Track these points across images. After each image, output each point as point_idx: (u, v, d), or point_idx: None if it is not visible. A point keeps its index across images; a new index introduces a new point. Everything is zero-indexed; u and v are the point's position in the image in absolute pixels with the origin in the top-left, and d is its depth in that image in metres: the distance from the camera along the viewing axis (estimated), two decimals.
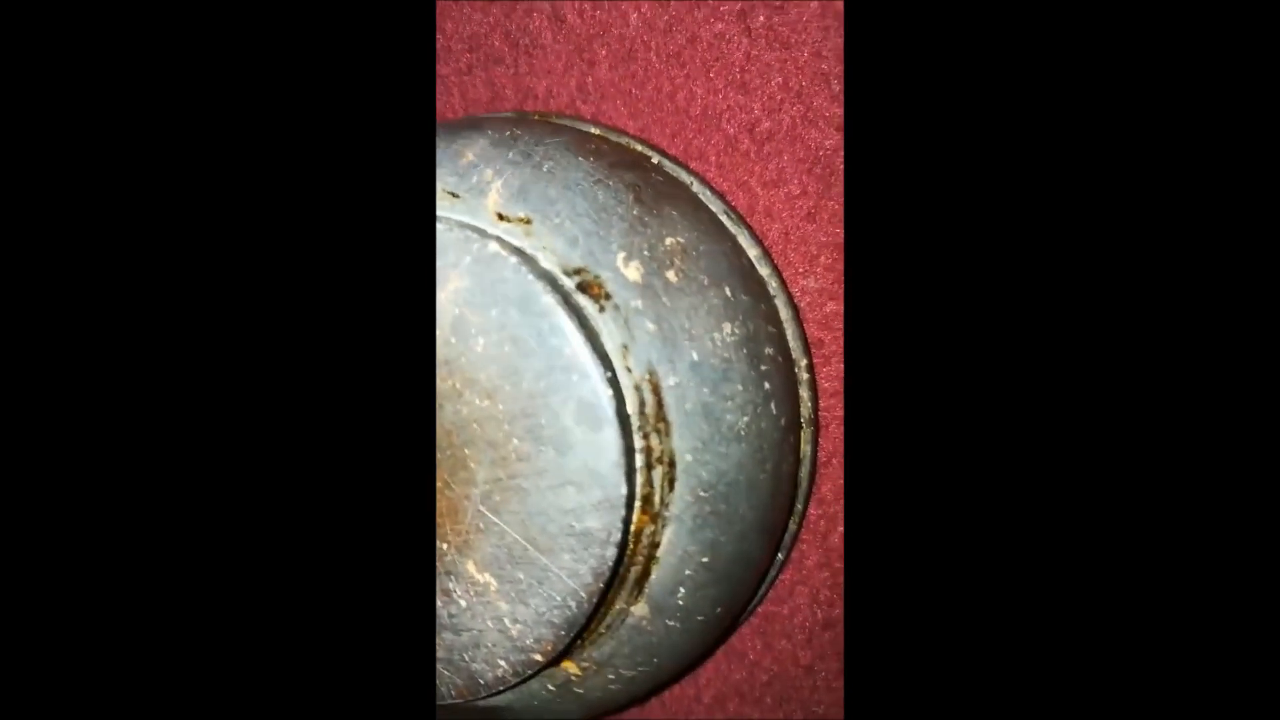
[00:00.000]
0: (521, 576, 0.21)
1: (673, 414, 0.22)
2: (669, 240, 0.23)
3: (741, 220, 0.28)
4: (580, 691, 0.24)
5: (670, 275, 0.23)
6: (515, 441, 0.21)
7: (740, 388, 0.23)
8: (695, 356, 0.22)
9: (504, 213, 0.22)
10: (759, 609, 0.30)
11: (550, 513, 0.21)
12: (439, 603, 0.22)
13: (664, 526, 0.22)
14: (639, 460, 0.21)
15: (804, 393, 0.28)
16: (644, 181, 0.25)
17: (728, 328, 0.23)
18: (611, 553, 0.20)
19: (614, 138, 0.29)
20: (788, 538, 0.28)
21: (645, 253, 0.23)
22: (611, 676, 0.24)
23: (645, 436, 0.21)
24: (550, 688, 0.24)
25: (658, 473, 0.22)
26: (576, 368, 0.20)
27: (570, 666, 0.23)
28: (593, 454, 0.20)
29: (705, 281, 0.24)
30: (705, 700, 0.32)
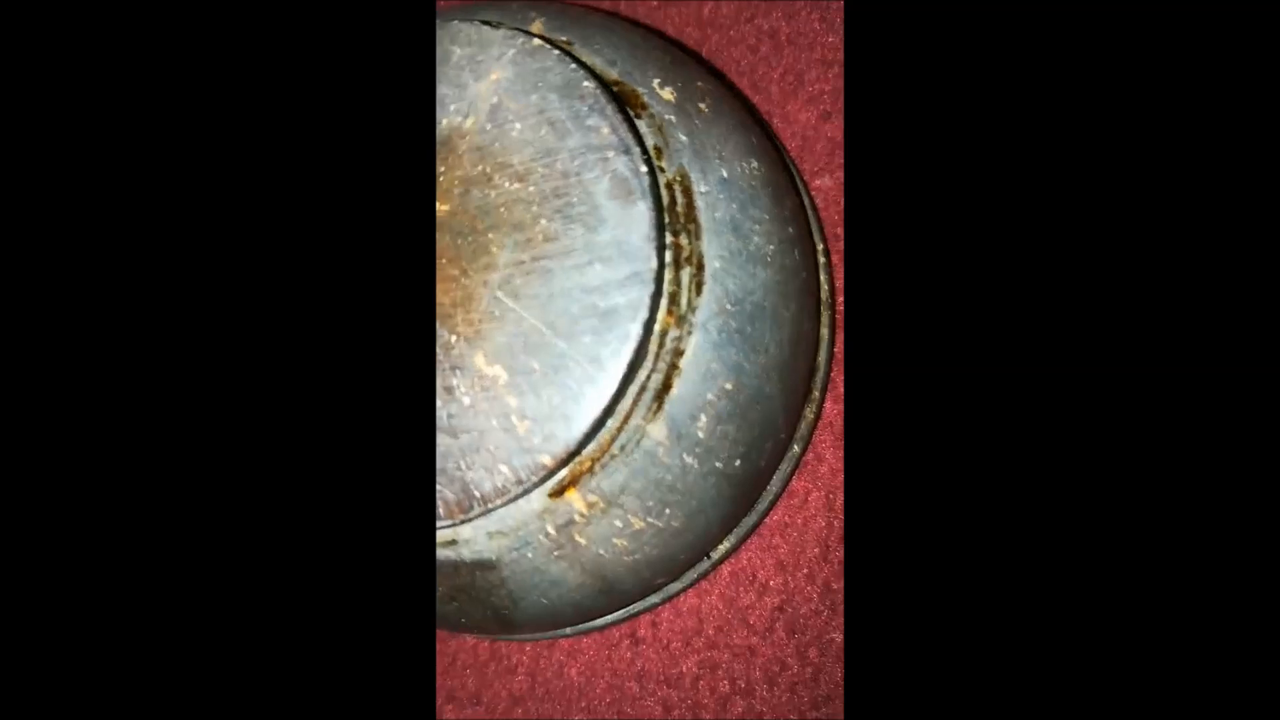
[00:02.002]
0: (536, 365, 0.20)
1: (703, 217, 0.21)
2: (699, 83, 0.24)
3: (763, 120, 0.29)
4: (582, 542, 0.21)
5: (702, 106, 0.23)
6: (543, 222, 0.20)
7: (767, 216, 0.23)
8: (725, 174, 0.22)
9: (546, 35, 0.23)
10: (768, 518, 0.28)
11: (574, 293, 0.20)
12: (439, 403, 0.20)
13: (689, 334, 0.21)
14: (667, 257, 0.20)
15: (822, 276, 0.27)
16: (673, 43, 0.26)
17: (754, 162, 0.23)
18: (637, 330, 0.19)
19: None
20: (804, 426, 0.27)
21: (679, 84, 0.23)
22: (619, 524, 0.21)
23: (675, 234, 0.21)
24: (550, 532, 0.21)
25: (685, 273, 0.21)
26: (614, 144, 0.20)
27: (576, 500, 0.21)
28: (624, 228, 0.20)
29: (733, 122, 0.24)
30: (708, 632, 0.28)
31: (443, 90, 0.22)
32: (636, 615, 0.27)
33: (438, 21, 0.22)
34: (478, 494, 0.20)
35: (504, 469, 0.20)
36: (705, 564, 0.27)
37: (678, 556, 0.24)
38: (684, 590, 0.28)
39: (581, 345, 0.19)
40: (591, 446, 0.20)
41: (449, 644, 0.30)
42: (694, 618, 0.28)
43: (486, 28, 0.22)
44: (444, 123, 0.21)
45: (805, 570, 0.28)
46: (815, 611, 0.27)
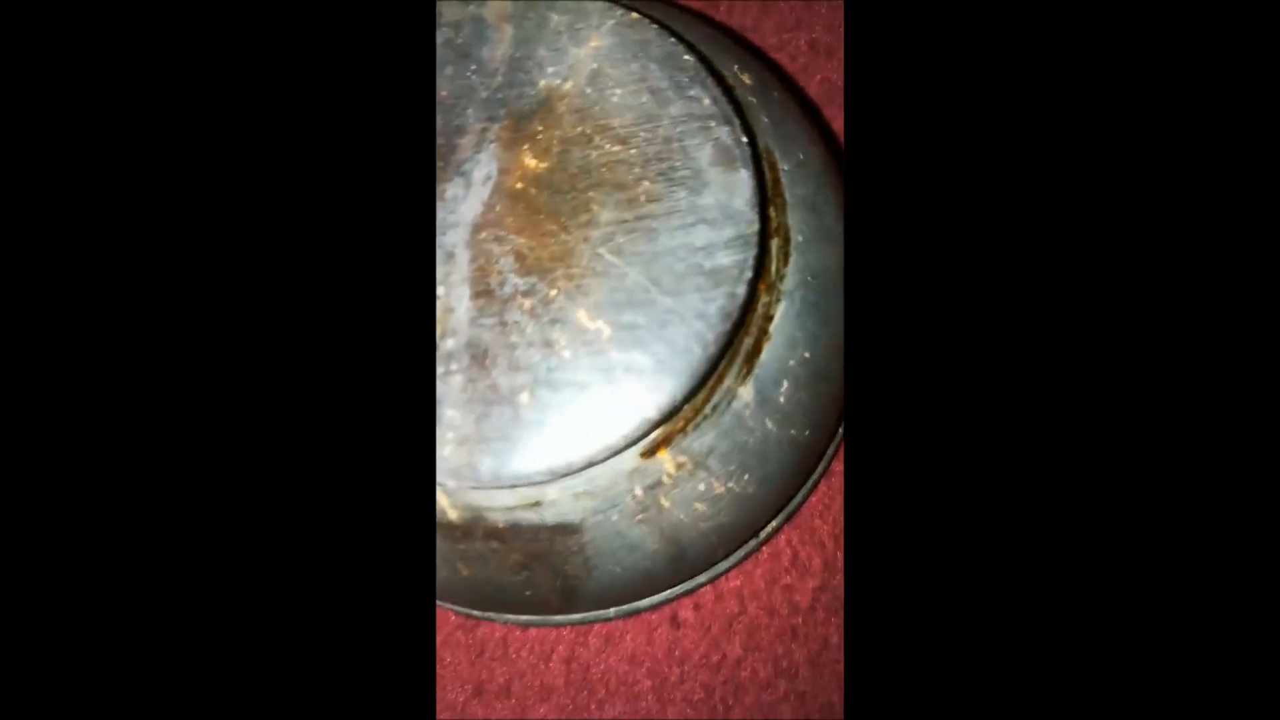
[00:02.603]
0: (640, 321, 0.20)
1: (787, 193, 0.22)
2: (768, 73, 0.25)
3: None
4: (665, 505, 0.21)
5: (774, 94, 0.25)
6: (646, 184, 0.20)
7: (834, 200, 0.24)
8: (800, 156, 0.23)
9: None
10: (809, 500, 0.28)
11: (679, 252, 0.20)
12: (535, 354, 0.20)
13: (777, 301, 0.21)
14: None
15: None
16: (737, 38, 0.27)
17: (819, 149, 0.25)
18: (743, 290, 0.20)
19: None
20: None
21: (754, 71, 0.25)
22: (702, 487, 0.21)
23: (766, 204, 0.21)
24: (637, 493, 0.21)
25: (774, 243, 0.22)
26: (715, 115, 0.21)
27: (666, 460, 0.21)
28: (727, 193, 0.20)
29: (799, 111, 0.25)
30: (751, 612, 0.28)
31: (540, 53, 0.22)
32: (680, 597, 0.27)
33: None
34: (580, 455, 0.19)
35: (612, 427, 0.19)
36: (753, 543, 0.27)
37: (741, 524, 0.24)
38: (728, 571, 0.28)
39: (688, 302, 0.20)
40: (687, 406, 0.20)
41: (475, 633, 0.29)
42: (736, 599, 0.29)
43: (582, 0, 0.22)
44: (541, 84, 0.22)
45: (843, 553, 0.29)
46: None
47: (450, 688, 0.29)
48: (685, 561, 0.24)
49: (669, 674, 0.28)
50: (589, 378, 0.20)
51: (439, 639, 0.29)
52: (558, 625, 0.29)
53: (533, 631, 0.29)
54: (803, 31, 0.33)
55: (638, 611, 0.27)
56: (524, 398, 0.20)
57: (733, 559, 0.26)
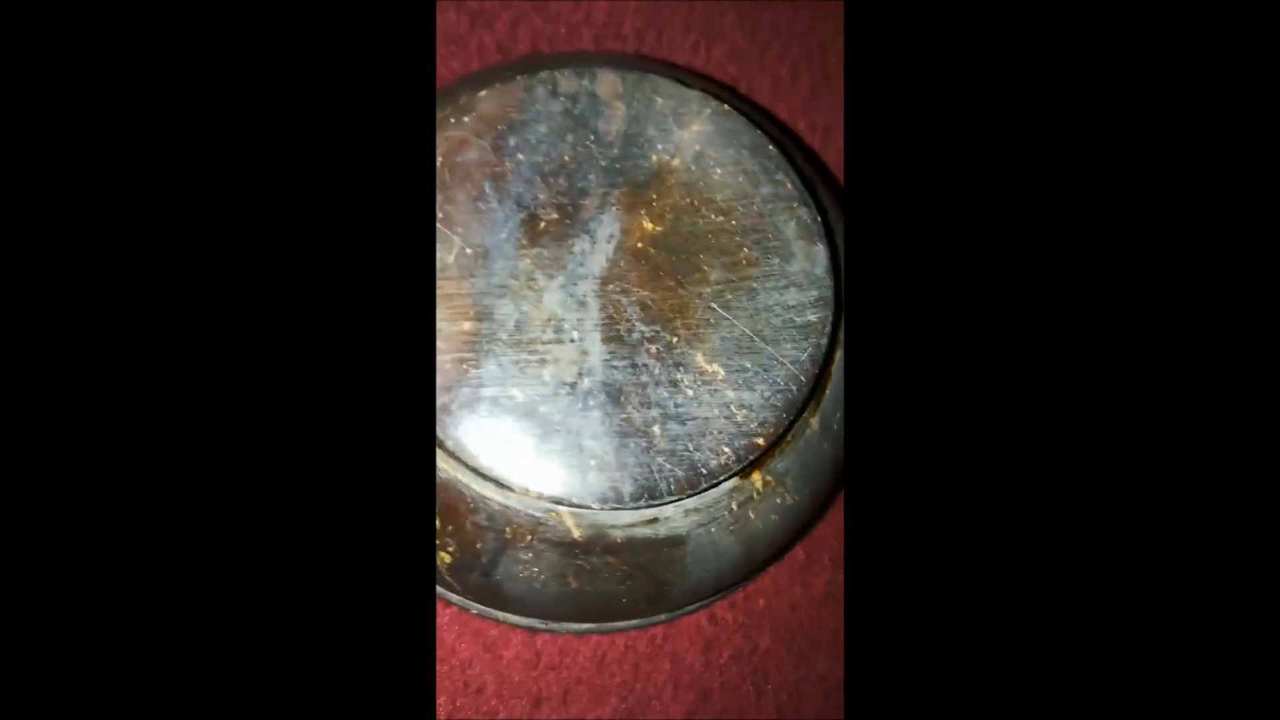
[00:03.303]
0: (748, 365, 0.23)
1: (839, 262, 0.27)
2: (802, 153, 0.30)
3: None
4: (750, 517, 0.25)
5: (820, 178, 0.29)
6: (746, 250, 0.24)
7: None
8: (839, 229, 0.28)
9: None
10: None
11: (775, 309, 0.24)
12: (664, 393, 0.23)
13: (836, 348, 0.26)
14: None
15: None
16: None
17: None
18: (825, 342, 0.24)
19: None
20: None
21: (810, 161, 0.29)
22: (779, 500, 0.25)
23: (839, 273, 0.26)
24: (733, 508, 0.24)
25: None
26: (797, 197, 0.25)
27: (756, 479, 0.24)
28: (809, 262, 0.25)
29: (832, 185, 0.30)
30: (777, 609, 0.32)
31: (650, 131, 0.25)
32: (724, 596, 0.31)
33: (620, 71, 0.26)
34: (704, 471, 0.23)
35: (726, 449, 0.23)
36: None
37: (794, 530, 0.28)
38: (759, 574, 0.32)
39: (785, 351, 0.24)
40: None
41: (535, 644, 0.31)
42: (762, 597, 0.33)
43: (682, 85, 0.25)
44: (653, 158, 0.25)
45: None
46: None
47: (510, 699, 0.30)
48: (750, 564, 0.28)
49: (711, 665, 0.32)
50: (709, 412, 0.23)
51: (506, 656, 0.30)
52: (612, 631, 0.31)
53: (592, 638, 0.31)
54: (795, 57, 0.37)
55: (692, 611, 0.31)
56: (655, 430, 0.23)
57: (782, 554, 0.31)
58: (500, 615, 0.30)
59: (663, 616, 0.31)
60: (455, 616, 0.31)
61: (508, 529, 0.24)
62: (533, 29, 0.36)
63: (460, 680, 0.31)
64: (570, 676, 0.31)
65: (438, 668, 0.31)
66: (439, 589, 0.29)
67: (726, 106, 0.26)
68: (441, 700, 0.31)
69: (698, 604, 0.31)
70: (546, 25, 0.36)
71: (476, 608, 0.30)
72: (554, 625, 0.30)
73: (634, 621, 0.31)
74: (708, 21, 0.37)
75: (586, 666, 0.32)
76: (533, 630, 0.31)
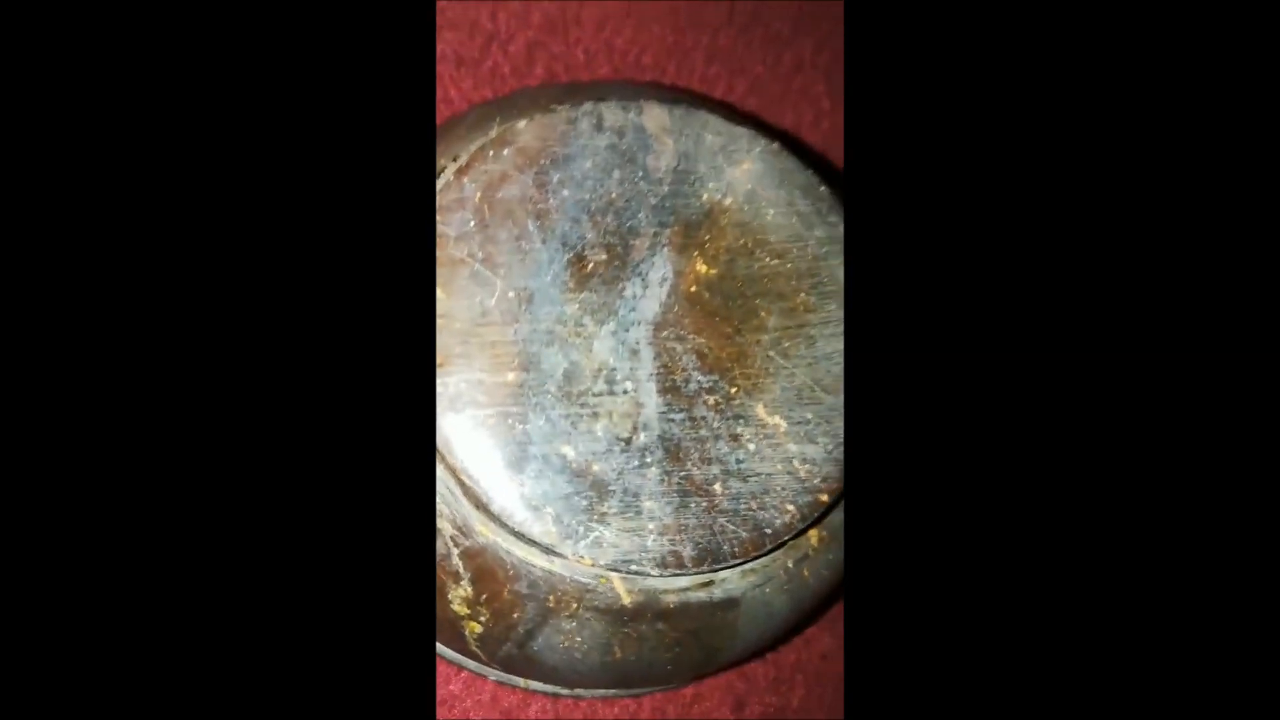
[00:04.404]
0: (809, 416, 0.22)
1: None
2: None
3: None
4: (804, 575, 0.24)
5: None
6: (803, 295, 0.23)
7: None
8: None
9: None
10: None
11: (834, 356, 0.23)
12: (723, 447, 0.21)
13: None
14: None
15: None
16: None
17: None
18: None
19: None
20: None
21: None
22: (832, 556, 0.24)
23: None
24: (789, 565, 0.23)
25: None
26: None
27: (814, 536, 0.23)
28: None
29: None
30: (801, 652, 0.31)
31: (701, 168, 0.24)
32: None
33: (668, 105, 0.24)
34: (769, 531, 0.21)
35: (790, 508, 0.21)
36: None
37: (840, 585, 0.27)
38: None
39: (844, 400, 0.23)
40: None
41: (570, 708, 0.28)
42: (792, 651, 0.31)
43: (732, 124, 0.24)
44: (705, 197, 0.23)
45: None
46: None
47: None
48: (798, 622, 0.26)
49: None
50: (772, 468, 0.22)
51: None
52: (638, 695, 0.29)
53: (618, 701, 0.29)
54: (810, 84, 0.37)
55: (723, 671, 0.29)
56: (717, 488, 0.21)
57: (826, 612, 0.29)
58: (522, 682, 0.28)
59: (687, 679, 0.29)
60: (469, 681, 0.29)
61: (551, 597, 0.22)
62: (549, 54, 0.35)
63: None
64: None
65: None
66: (459, 656, 0.26)
67: (776, 145, 0.25)
68: None
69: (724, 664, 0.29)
70: (565, 51, 0.35)
71: (495, 674, 0.28)
72: (579, 691, 0.28)
73: (662, 685, 0.29)
74: (731, 54, 0.37)
75: None
76: (555, 695, 0.29)
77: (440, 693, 0.28)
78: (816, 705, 0.32)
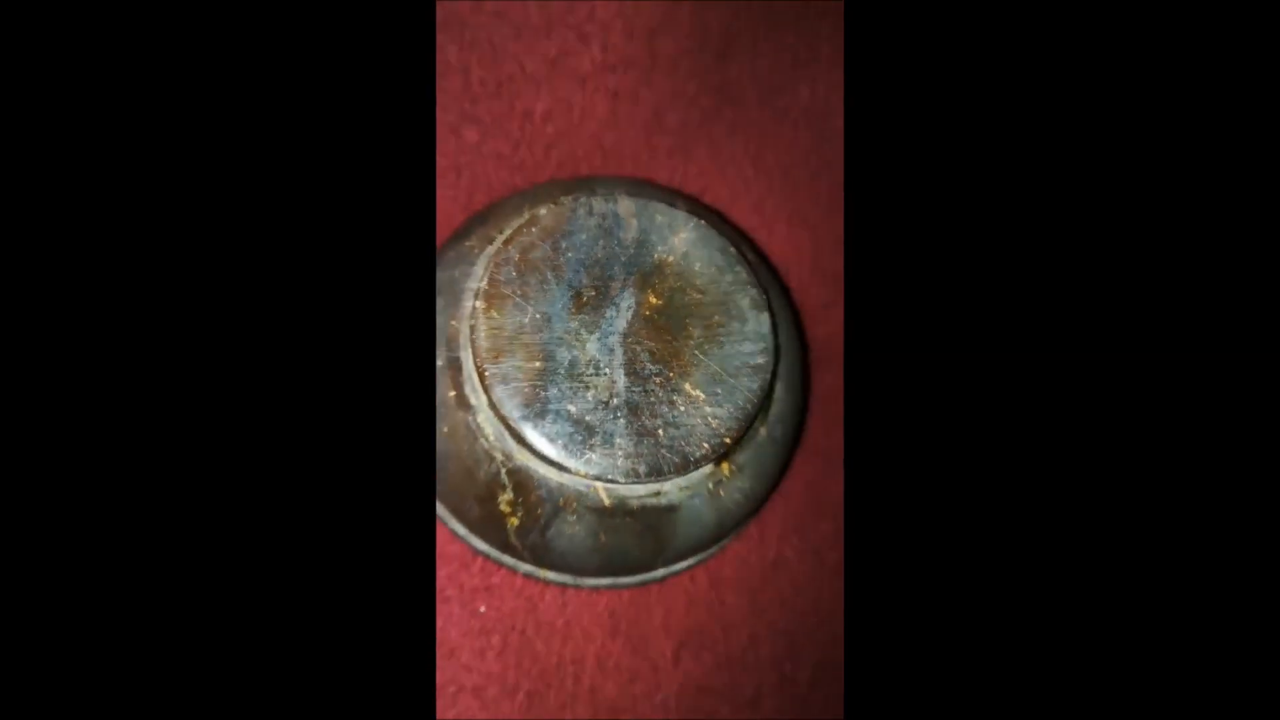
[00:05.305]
0: (719, 391, 0.35)
1: (779, 323, 0.39)
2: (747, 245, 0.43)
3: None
4: (721, 494, 0.36)
5: (751, 257, 0.42)
6: (717, 317, 0.36)
7: (794, 333, 0.41)
8: (779, 300, 0.40)
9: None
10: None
11: (739, 355, 0.36)
12: (664, 408, 0.34)
13: (777, 380, 0.38)
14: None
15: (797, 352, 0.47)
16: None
17: (783, 302, 0.42)
18: (769, 377, 0.36)
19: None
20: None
21: (748, 248, 0.41)
22: (740, 482, 0.37)
23: (776, 332, 0.38)
24: (710, 487, 0.36)
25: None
26: (749, 282, 0.38)
27: (725, 467, 0.36)
28: (757, 325, 0.37)
29: (767, 267, 0.43)
30: (752, 559, 0.43)
31: (653, 238, 0.37)
32: (701, 563, 0.42)
33: (633, 196, 0.38)
34: (692, 459, 0.34)
35: (705, 445, 0.35)
36: (750, 523, 0.42)
37: (752, 509, 0.39)
38: (736, 534, 0.43)
39: (743, 381, 0.36)
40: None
41: (574, 596, 0.41)
42: (727, 566, 0.44)
43: (674, 208, 0.38)
44: (655, 256, 0.37)
45: (793, 523, 0.45)
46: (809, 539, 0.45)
47: (546, 637, 0.40)
48: (721, 530, 0.39)
49: (691, 613, 0.42)
50: (694, 421, 0.35)
51: (542, 605, 0.40)
52: (621, 588, 0.41)
53: (606, 593, 0.41)
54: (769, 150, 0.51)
55: (677, 574, 0.41)
56: (660, 432, 0.34)
57: (742, 527, 0.42)
58: (542, 574, 0.40)
59: (659, 573, 0.41)
60: (506, 576, 0.41)
61: (560, 499, 0.35)
62: (560, 152, 0.49)
63: (507, 624, 0.41)
64: (590, 619, 0.42)
65: (493, 616, 0.41)
66: (500, 553, 0.39)
67: (703, 221, 0.39)
68: (495, 638, 0.40)
69: (681, 567, 0.42)
70: (569, 149, 0.49)
71: (525, 568, 0.40)
72: (581, 581, 0.41)
73: (637, 578, 0.41)
74: (685, 149, 0.50)
75: (602, 613, 0.42)
76: (564, 586, 0.41)
77: (486, 583, 0.41)
78: (744, 605, 0.44)
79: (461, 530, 0.41)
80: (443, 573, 0.42)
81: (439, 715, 0.40)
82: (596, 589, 0.43)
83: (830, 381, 0.50)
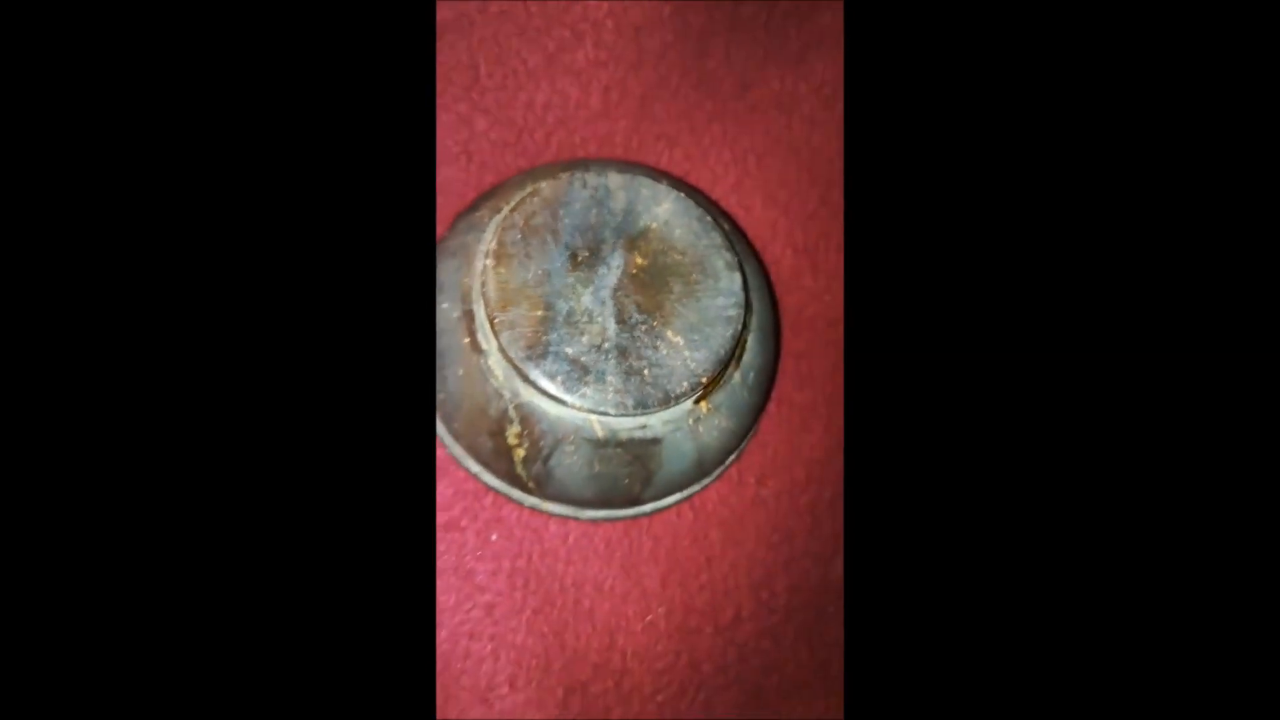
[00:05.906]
0: (697, 338, 0.41)
1: (750, 282, 0.44)
2: (732, 222, 0.48)
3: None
4: (700, 430, 0.42)
5: (726, 226, 0.47)
6: (695, 275, 0.42)
7: (766, 290, 0.47)
8: (752, 266, 0.46)
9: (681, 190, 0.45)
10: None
11: (713, 307, 0.41)
12: (649, 351, 0.39)
13: (750, 330, 0.43)
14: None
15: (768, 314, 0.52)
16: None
17: (755, 263, 0.47)
18: (740, 328, 0.42)
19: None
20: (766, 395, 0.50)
21: (730, 223, 0.47)
22: (717, 420, 0.42)
23: (747, 289, 0.43)
24: (690, 423, 0.41)
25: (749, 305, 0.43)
26: (723, 245, 0.44)
27: (704, 405, 0.41)
28: (731, 282, 0.42)
29: (742, 234, 0.48)
30: (731, 497, 0.48)
31: (638, 207, 0.42)
32: (685, 499, 0.47)
33: (622, 172, 0.43)
34: (673, 395, 0.39)
35: (684, 383, 0.40)
36: (732, 456, 0.47)
37: (729, 447, 0.44)
38: (718, 475, 0.48)
39: (717, 330, 0.41)
40: (717, 379, 0.41)
41: (574, 528, 0.46)
42: (709, 503, 0.49)
43: (658, 182, 0.43)
44: (641, 223, 0.42)
45: (770, 468, 0.50)
46: (795, 478, 0.50)
47: (550, 562, 0.45)
48: (701, 466, 0.44)
49: (676, 544, 0.47)
50: (675, 363, 0.40)
51: (546, 536, 0.45)
52: (615, 520, 0.46)
53: (602, 525, 0.46)
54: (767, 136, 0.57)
55: (663, 509, 0.46)
56: (645, 371, 0.40)
57: (713, 474, 0.47)
58: (545, 506, 0.45)
59: (648, 508, 0.46)
60: (515, 510, 0.46)
61: (560, 429, 0.40)
62: (558, 139, 0.54)
63: (515, 551, 0.46)
64: (588, 548, 0.47)
65: (503, 544, 0.45)
66: (508, 486, 0.44)
67: (682, 193, 0.44)
68: (504, 562, 0.45)
69: (669, 502, 0.47)
70: (566, 136, 0.54)
71: (530, 500, 0.45)
72: (581, 513, 0.46)
73: (630, 511, 0.46)
74: (671, 136, 0.56)
75: (598, 543, 0.47)
76: (565, 518, 0.46)
77: (497, 515, 0.46)
78: (723, 538, 0.49)
79: (475, 468, 0.46)
80: (458, 507, 0.47)
81: (451, 627, 0.45)
82: (594, 521, 0.48)
83: (801, 345, 0.55)
